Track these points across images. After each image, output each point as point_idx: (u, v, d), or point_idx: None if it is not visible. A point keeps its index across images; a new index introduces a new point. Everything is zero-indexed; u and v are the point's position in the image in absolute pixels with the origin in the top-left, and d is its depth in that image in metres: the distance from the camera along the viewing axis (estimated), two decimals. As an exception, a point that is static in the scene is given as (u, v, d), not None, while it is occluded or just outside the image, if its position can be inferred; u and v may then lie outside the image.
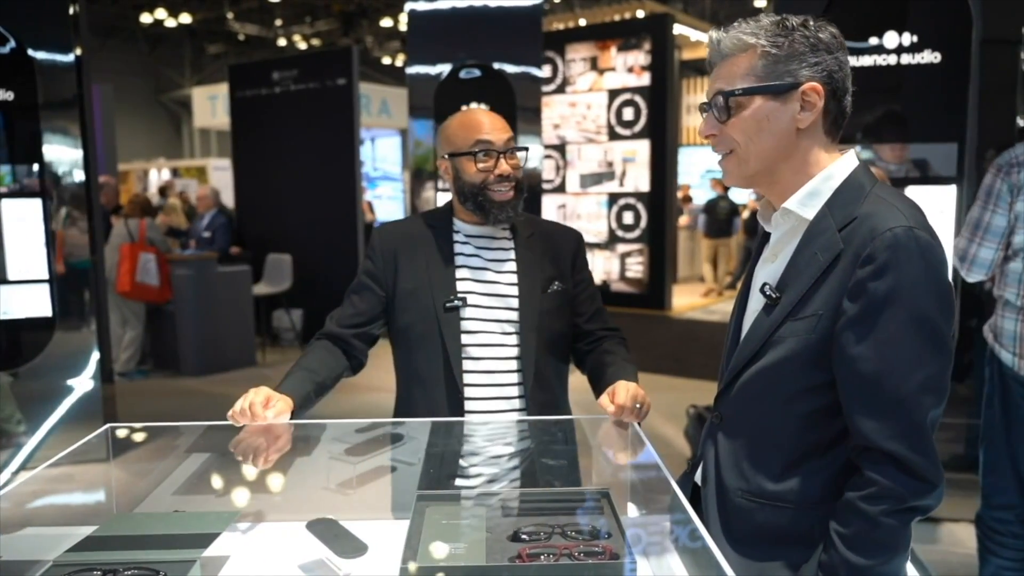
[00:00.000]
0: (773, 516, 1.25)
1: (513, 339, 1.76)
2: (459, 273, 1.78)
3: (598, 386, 1.76)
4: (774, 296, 1.24)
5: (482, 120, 1.76)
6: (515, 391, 1.76)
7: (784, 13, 1.26)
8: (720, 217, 10.68)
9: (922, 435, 1.13)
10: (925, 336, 1.13)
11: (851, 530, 1.15)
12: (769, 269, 1.29)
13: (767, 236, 1.35)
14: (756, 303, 1.30)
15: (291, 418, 1.59)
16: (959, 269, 2.51)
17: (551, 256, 1.84)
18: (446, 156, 1.79)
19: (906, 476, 1.13)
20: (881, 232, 1.12)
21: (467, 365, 1.74)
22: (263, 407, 1.51)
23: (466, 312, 1.75)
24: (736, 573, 1.22)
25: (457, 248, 1.81)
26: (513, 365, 1.76)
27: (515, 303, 1.77)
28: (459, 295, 1.75)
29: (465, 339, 1.75)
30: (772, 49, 1.19)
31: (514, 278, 1.79)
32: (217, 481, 1.65)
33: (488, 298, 1.77)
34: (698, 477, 1.40)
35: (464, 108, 1.82)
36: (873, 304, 1.12)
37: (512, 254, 1.82)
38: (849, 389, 1.17)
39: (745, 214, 10.81)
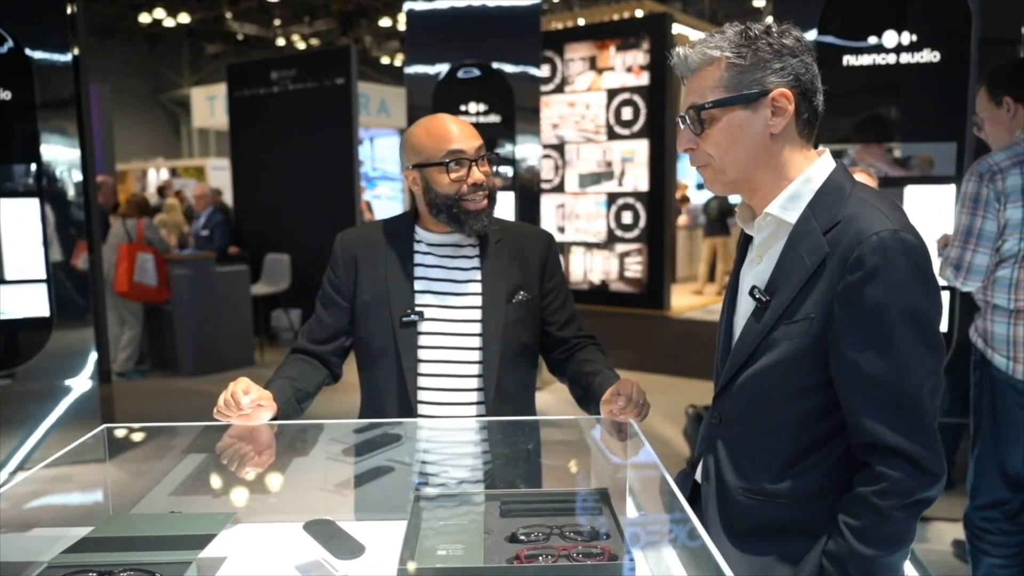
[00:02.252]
0: (774, 512, 1.27)
1: (475, 354, 1.73)
2: (418, 285, 1.74)
3: (584, 397, 1.74)
4: (764, 299, 1.26)
5: (451, 128, 1.70)
6: (473, 409, 1.73)
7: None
8: (713, 216, 10.70)
9: (926, 429, 1.17)
10: (920, 334, 1.16)
11: (862, 523, 1.18)
12: (756, 272, 1.31)
13: (749, 238, 1.37)
14: (746, 305, 1.31)
15: (276, 421, 1.58)
16: (952, 279, 2.48)
17: (519, 263, 1.79)
18: (413, 167, 1.73)
19: (915, 469, 1.16)
20: (867, 236, 1.15)
21: (422, 382, 1.72)
22: (243, 394, 1.51)
23: (424, 326, 1.72)
24: (738, 569, 1.24)
25: (417, 259, 1.77)
26: (473, 383, 1.73)
27: (477, 315, 1.73)
28: (417, 309, 1.72)
29: (422, 354, 1.71)
30: (737, 60, 1.21)
31: (478, 288, 1.75)
32: (214, 482, 1.64)
33: (448, 311, 1.73)
34: (698, 475, 1.41)
35: (428, 116, 1.76)
36: (867, 308, 1.15)
37: (477, 262, 1.77)
38: (851, 391, 1.19)
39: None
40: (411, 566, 1.15)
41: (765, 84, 1.21)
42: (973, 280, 2.46)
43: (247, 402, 1.51)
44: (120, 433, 1.60)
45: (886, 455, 1.17)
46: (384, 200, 13.74)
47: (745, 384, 1.28)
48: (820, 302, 1.19)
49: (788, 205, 1.25)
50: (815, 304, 1.19)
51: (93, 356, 3.96)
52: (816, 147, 1.31)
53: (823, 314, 1.18)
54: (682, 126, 1.28)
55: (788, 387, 1.24)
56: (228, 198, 8.99)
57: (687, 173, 12.48)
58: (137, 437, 1.67)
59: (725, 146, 1.24)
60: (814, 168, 1.26)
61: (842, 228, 1.18)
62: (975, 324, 2.56)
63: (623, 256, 9.90)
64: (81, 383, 3.93)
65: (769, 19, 1.27)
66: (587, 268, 10.17)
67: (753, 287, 1.28)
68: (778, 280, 1.24)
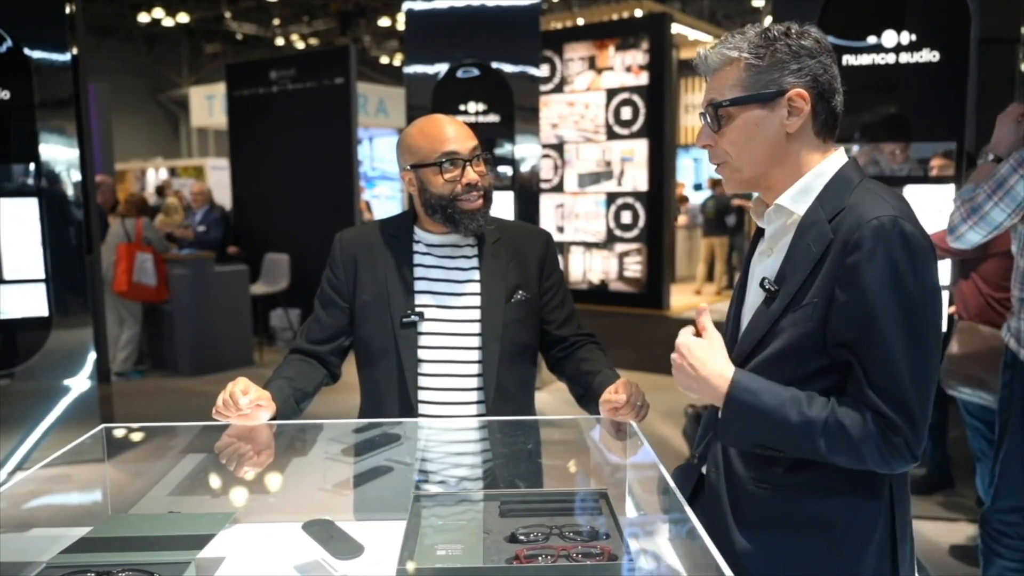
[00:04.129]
0: (784, 501, 1.28)
1: (475, 353, 1.73)
2: (418, 286, 1.75)
3: (584, 396, 1.74)
4: (773, 289, 1.27)
5: (446, 129, 1.70)
6: (473, 408, 1.73)
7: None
8: (710, 216, 10.72)
9: (912, 413, 1.17)
10: (909, 319, 1.16)
11: (849, 425, 1.18)
12: (766, 264, 1.33)
13: (761, 231, 1.38)
14: (755, 296, 1.33)
15: (275, 421, 1.59)
16: (960, 221, 2.45)
17: (517, 263, 1.80)
18: (409, 167, 1.74)
19: (898, 437, 1.17)
20: (867, 220, 1.17)
21: (423, 382, 1.72)
22: (242, 394, 1.51)
23: (424, 327, 1.72)
24: (752, 560, 1.24)
25: (417, 259, 1.77)
26: (473, 383, 1.73)
27: (477, 314, 1.74)
28: (417, 309, 1.72)
29: (422, 354, 1.72)
30: (755, 60, 1.24)
31: (477, 288, 1.76)
32: (213, 482, 1.64)
33: (448, 311, 1.74)
34: (705, 468, 1.41)
35: (423, 117, 1.78)
36: (860, 289, 1.16)
37: (476, 262, 1.78)
38: (852, 363, 1.20)
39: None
40: (410, 566, 1.15)
41: (782, 84, 1.23)
42: (979, 229, 2.42)
43: (246, 402, 1.51)
44: (119, 433, 1.60)
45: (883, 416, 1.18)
46: (383, 200, 13.74)
47: (752, 372, 1.28)
48: (822, 287, 1.21)
49: (799, 198, 1.27)
50: (818, 289, 1.21)
51: (92, 356, 3.96)
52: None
53: (825, 299, 1.20)
54: (703, 123, 1.31)
55: (793, 373, 1.25)
56: (227, 197, 8.97)
57: (685, 173, 12.50)
58: (136, 437, 1.67)
59: (741, 144, 1.27)
60: (826, 163, 1.28)
61: (845, 214, 1.21)
62: (1008, 323, 2.52)
63: (622, 256, 9.90)
64: (80, 383, 3.93)
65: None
66: (586, 268, 10.18)
67: (764, 278, 1.29)
68: (786, 270, 1.26)
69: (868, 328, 1.16)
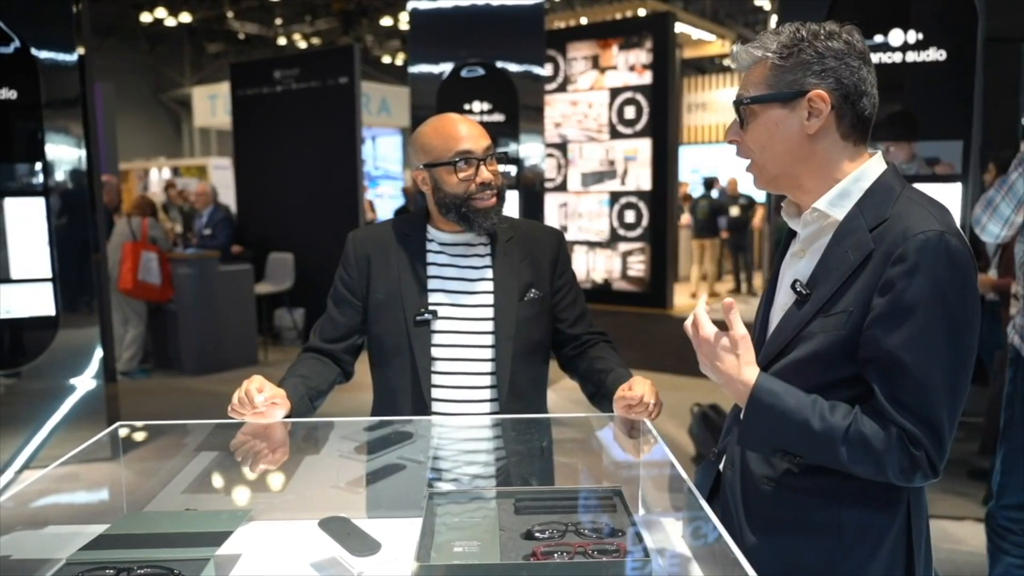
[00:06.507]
0: (797, 504, 1.28)
1: (488, 352, 1.74)
2: (431, 284, 1.76)
3: (596, 394, 1.75)
4: (804, 292, 1.27)
5: (460, 128, 1.71)
6: (487, 407, 1.74)
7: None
8: (700, 217, 10.71)
9: (938, 429, 1.17)
10: (950, 335, 1.16)
11: (869, 433, 1.18)
12: (798, 266, 1.32)
13: (792, 233, 1.38)
14: (785, 298, 1.33)
15: (289, 419, 1.59)
16: (980, 213, 2.65)
17: (530, 261, 1.80)
18: (422, 167, 1.75)
19: (920, 452, 1.17)
20: (913, 234, 1.16)
21: (436, 380, 1.73)
22: (257, 392, 1.52)
23: (438, 325, 1.73)
24: (758, 559, 1.22)
25: (430, 258, 1.78)
26: (486, 380, 1.74)
27: (490, 313, 1.75)
28: (430, 308, 1.73)
29: (436, 352, 1.72)
30: (779, 60, 1.25)
31: (490, 286, 1.76)
32: (227, 480, 1.65)
33: (462, 309, 1.75)
34: (722, 465, 1.42)
35: (436, 116, 1.79)
36: (903, 302, 1.16)
37: (488, 261, 1.79)
38: (878, 377, 1.19)
39: (735, 211, 10.82)
40: (427, 563, 1.15)
41: (803, 85, 1.24)
42: (995, 221, 2.59)
43: (261, 400, 1.52)
44: (131, 431, 1.61)
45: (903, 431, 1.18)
46: (386, 199, 13.76)
47: (777, 374, 1.28)
48: (859, 296, 1.20)
49: (837, 202, 1.26)
50: (854, 298, 1.20)
51: (99, 355, 3.97)
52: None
53: (861, 307, 1.19)
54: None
55: (820, 379, 1.24)
56: (231, 197, 8.99)
57: (688, 172, 12.50)
58: (149, 435, 1.68)
59: (763, 142, 1.28)
60: (865, 168, 1.27)
61: (888, 225, 1.20)
62: (1014, 321, 2.54)
63: (626, 255, 9.90)
64: (86, 382, 3.94)
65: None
66: (590, 267, 10.18)
67: (795, 280, 1.29)
68: (820, 274, 1.26)
69: (909, 343, 1.15)
